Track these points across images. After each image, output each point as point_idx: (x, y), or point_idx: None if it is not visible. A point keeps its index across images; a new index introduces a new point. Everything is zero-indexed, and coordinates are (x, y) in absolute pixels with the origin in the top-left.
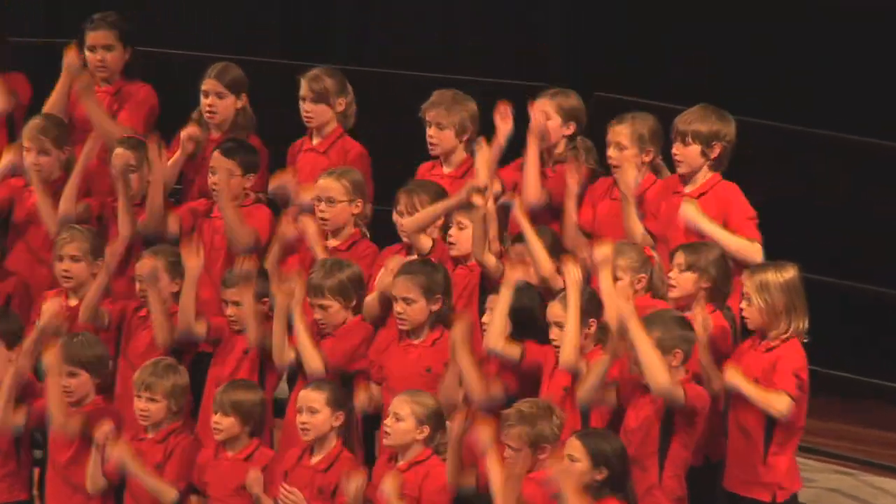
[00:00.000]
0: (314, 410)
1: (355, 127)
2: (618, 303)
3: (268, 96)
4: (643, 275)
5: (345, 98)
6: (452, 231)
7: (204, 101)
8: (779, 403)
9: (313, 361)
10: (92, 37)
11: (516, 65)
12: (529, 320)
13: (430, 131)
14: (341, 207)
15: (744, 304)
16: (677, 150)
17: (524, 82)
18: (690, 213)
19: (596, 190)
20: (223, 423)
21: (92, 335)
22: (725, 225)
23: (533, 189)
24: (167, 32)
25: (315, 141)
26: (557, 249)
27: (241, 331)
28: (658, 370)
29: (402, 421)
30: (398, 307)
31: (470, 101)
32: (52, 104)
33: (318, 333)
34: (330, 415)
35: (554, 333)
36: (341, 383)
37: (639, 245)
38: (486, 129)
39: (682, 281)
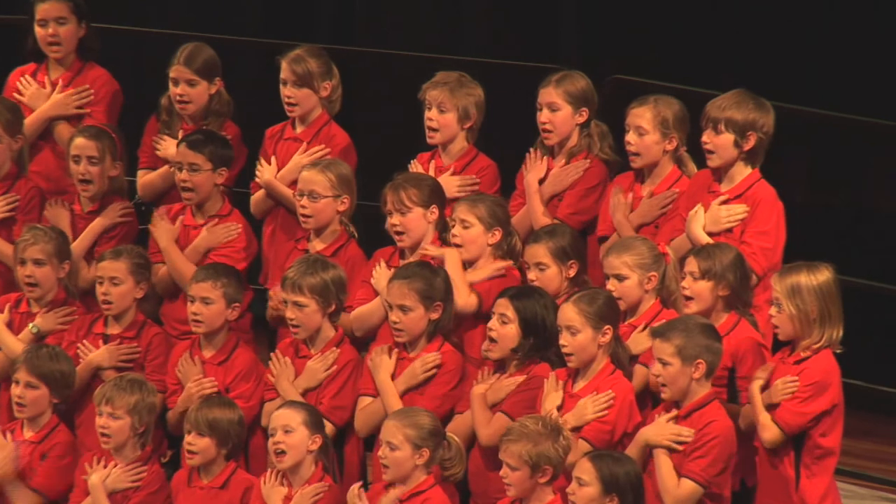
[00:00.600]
0: (289, 430)
1: (342, 114)
2: None
3: (246, 79)
4: (653, 273)
5: (330, 81)
6: (456, 230)
7: (174, 89)
8: (766, 431)
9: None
10: (42, 9)
11: (525, 44)
12: (542, 328)
13: (430, 114)
14: (325, 203)
15: (773, 311)
16: (708, 138)
17: (534, 64)
18: (695, 230)
19: (616, 184)
20: (198, 445)
21: (61, 349)
22: (743, 233)
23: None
24: (133, 7)
25: (298, 129)
26: (574, 254)
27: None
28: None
29: (398, 449)
30: (393, 316)
31: (477, 86)
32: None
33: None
34: (307, 437)
35: (565, 339)
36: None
37: (649, 240)
38: (490, 117)
39: (699, 291)
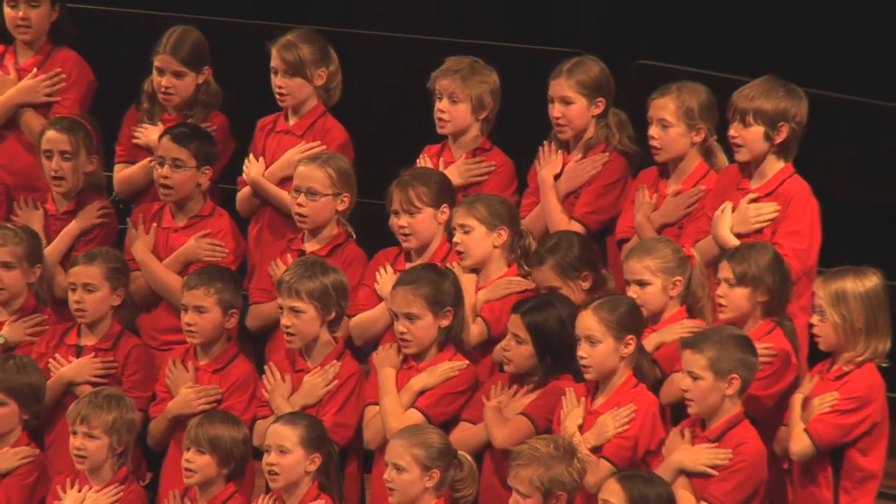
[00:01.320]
0: (284, 450)
1: (342, 104)
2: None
3: (236, 65)
4: (678, 277)
5: (326, 68)
6: (458, 237)
7: (158, 79)
8: (796, 442)
9: None
10: None
11: (543, 28)
12: (559, 346)
13: (441, 104)
14: (324, 202)
15: (815, 319)
16: (735, 131)
17: (550, 48)
18: (721, 231)
19: (639, 181)
20: (197, 463)
21: (30, 359)
22: (774, 233)
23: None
24: None
25: (291, 121)
26: (584, 264)
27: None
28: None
29: (405, 472)
30: (399, 326)
31: (491, 72)
32: None
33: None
34: (304, 457)
35: (584, 350)
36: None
37: (673, 242)
38: (507, 105)
39: (735, 298)
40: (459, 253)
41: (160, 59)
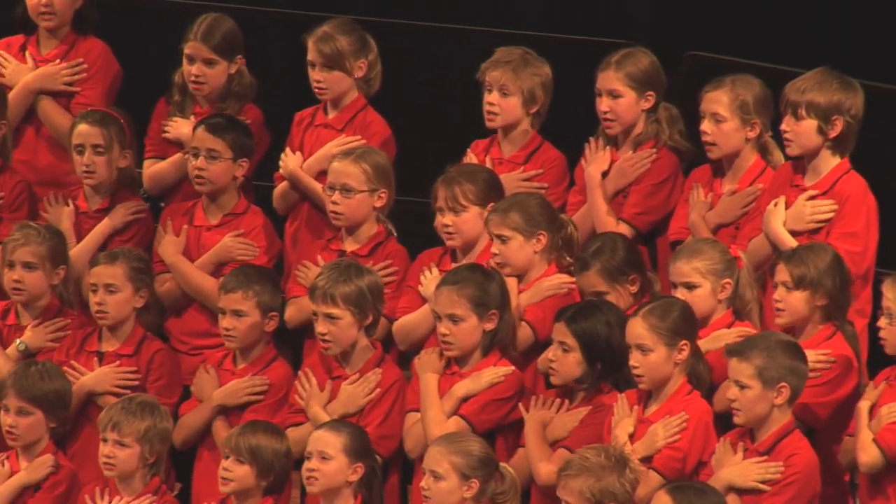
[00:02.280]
0: (326, 457)
1: (383, 98)
2: None
3: (271, 55)
4: (727, 280)
5: (365, 59)
6: (495, 248)
7: (188, 68)
8: (864, 453)
9: None
10: None
11: (592, 18)
12: (608, 351)
13: (491, 97)
14: (360, 199)
15: (883, 322)
16: (788, 125)
17: (598, 39)
18: (774, 225)
19: (692, 180)
20: (235, 472)
21: (53, 365)
22: (828, 234)
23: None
24: None
25: (330, 114)
26: (631, 267)
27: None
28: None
29: (443, 480)
30: (442, 327)
31: (543, 64)
32: None
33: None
34: (346, 465)
35: (635, 358)
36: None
37: (720, 243)
38: (554, 98)
39: (793, 302)
40: (498, 264)
41: (190, 46)
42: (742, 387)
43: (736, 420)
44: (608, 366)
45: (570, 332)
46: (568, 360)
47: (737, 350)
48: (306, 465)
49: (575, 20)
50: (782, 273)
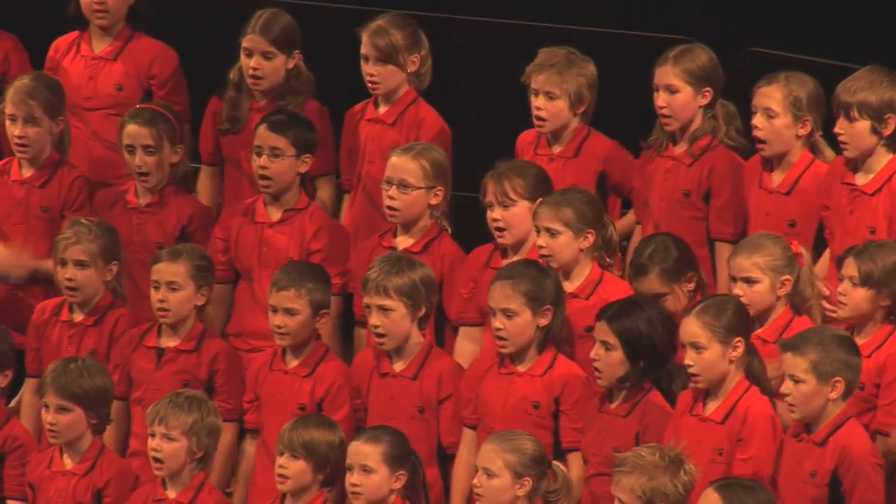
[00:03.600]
0: (368, 470)
1: (433, 92)
2: None
3: (329, 50)
4: (787, 276)
5: (418, 54)
6: (543, 240)
7: (246, 62)
8: None
9: None
10: None
11: (647, 13)
12: (651, 347)
13: (538, 101)
14: (417, 195)
15: None
16: (841, 127)
17: (651, 34)
18: None
19: (745, 176)
20: (291, 469)
21: (94, 361)
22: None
23: None
24: None
25: (381, 109)
26: (687, 265)
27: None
28: None
29: (496, 477)
30: (496, 322)
31: (588, 63)
32: None
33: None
34: (388, 475)
35: (690, 357)
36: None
37: (783, 240)
38: (605, 98)
39: (856, 298)
40: (543, 256)
41: (249, 39)
42: (797, 381)
43: (793, 416)
44: (651, 363)
45: (612, 330)
46: (611, 359)
47: (791, 344)
48: (349, 478)
49: (630, 16)
50: (850, 268)
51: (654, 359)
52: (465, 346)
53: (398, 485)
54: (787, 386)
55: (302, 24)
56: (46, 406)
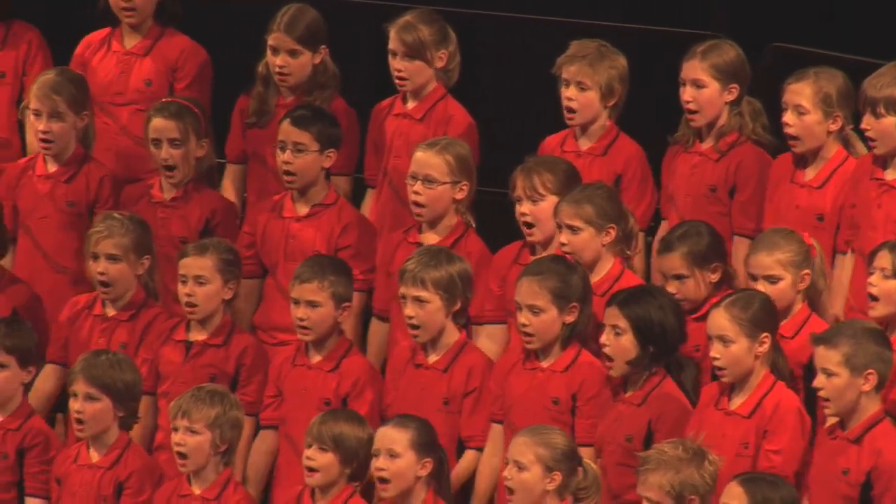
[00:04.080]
0: (395, 455)
1: (461, 88)
2: None
3: (355, 46)
4: (807, 271)
5: (446, 50)
6: (565, 237)
7: (273, 59)
8: None
9: None
10: None
11: (670, 8)
12: (661, 333)
13: (569, 92)
14: (442, 191)
15: None
16: (868, 123)
17: (677, 30)
18: None
19: (774, 172)
20: (319, 461)
21: (125, 356)
22: None
23: None
24: None
25: (410, 104)
26: (715, 256)
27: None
28: None
29: (526, 470)
30: (522, 318)
31: (619, 56)
32: None
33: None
34: (414, 461)
35: (716, 350)
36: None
37: (797, 233)
38: (636, 90)
39: (889, 291)
40: (566, 253)
41: (274, 37)
42: (829, 374)
43: (827, 412)
44: (661, 349)
45: (623, 314)
46: (621, 343)
47: (823, 338)
48: (375, 463)
49: (654, 11)
50: (884, 259)
51: (665, 345)
52: (484, 344)
53: (424, 472)
54: (820, 380)
55: (328, 18)
56: (75, 395)
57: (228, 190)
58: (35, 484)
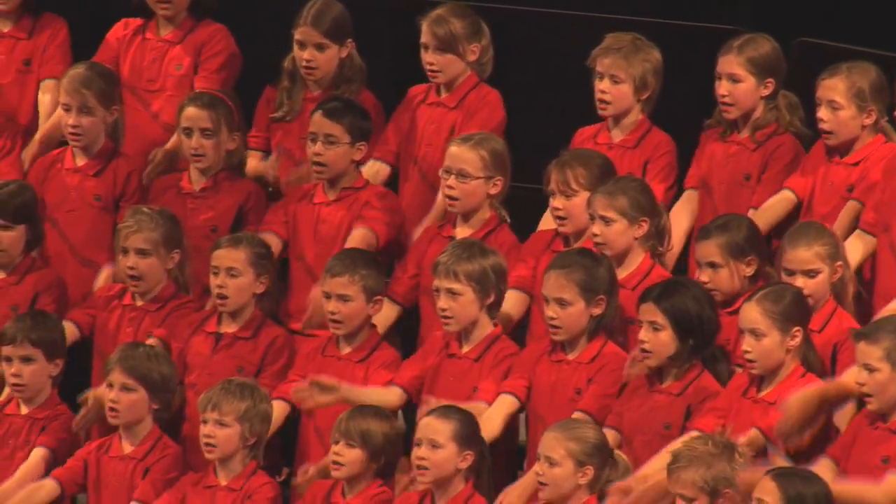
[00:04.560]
0: (436, 445)
1: (492, 83)
2: None
3: (378, 40)
4: (839, 262)
5: (479, 43)
6: (597, 228)
7: (299, 53)
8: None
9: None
10: None
11: (695, 3)
12: (699, 325)
13: (603, 85)
14: (476, 185)
15: None
16: None
17: (703, 24)
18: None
19: (810, 159)
20: (346, 456)
21: (163, 351)
22: None
23: None
24: None
25: (443, 94)
26: (752, 248)
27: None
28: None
29: (558, 466)
30: (549, 311)
31: (653, 49)
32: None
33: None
34: (456, 453)
35: (748, 343)
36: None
37: (822, 224)
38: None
39: None
40: (598, 244)
41: (301, 31)
42: (871, 370)
43: (870, 407)
44: (700, 341)
45: (660, 310)
46: (660, 339)
47: (865, 333)
48: (415, 452)
49: (678, 5)
50: None
51: (703, 336)
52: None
53: (464, 464)
54: (861, 376)
55: (353, 12)
56: (110, 385)
57: (252, 174)
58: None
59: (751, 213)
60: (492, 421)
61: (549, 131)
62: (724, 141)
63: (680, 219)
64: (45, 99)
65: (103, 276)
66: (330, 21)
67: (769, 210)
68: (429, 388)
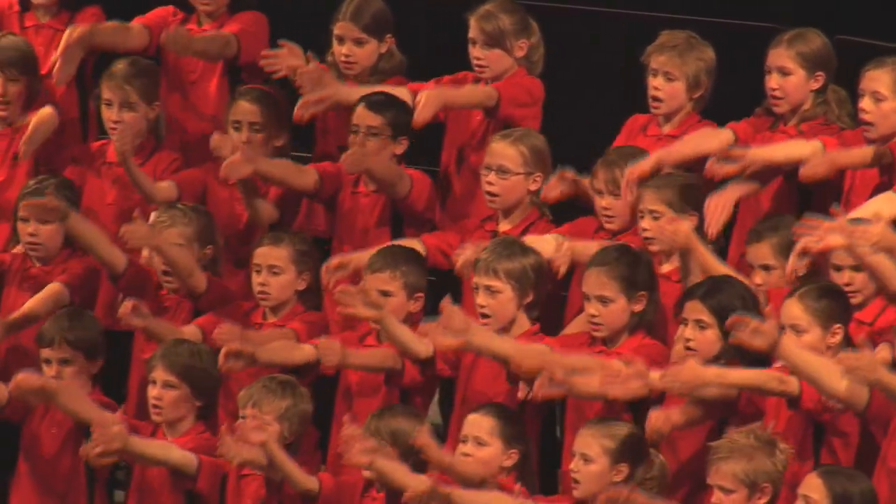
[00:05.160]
0: (482, 443)
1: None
2: None
3: (414, 35)
4: None
5: (527, 40)
6: (646, 223)
7: (338, 48)
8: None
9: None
10: None
11: (733, 1)
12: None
13: (656, 82)
14: (516, 181)
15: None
16: None
17: (741, 22)
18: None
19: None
20: None
21: (205, 348)
22: None
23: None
24: None
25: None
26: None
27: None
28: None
29: (593, 462)
30: (591, 308)
31: (707, 48)
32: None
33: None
34: (501, 451)
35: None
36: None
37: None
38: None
39: None
40: (647, 239)
41: (340, 26)
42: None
43: None
44: None
45: (707, 308)
46: (706, 337)
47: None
48: (460, 448)
49: (719, 3)
50: None
51: None
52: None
53: (509, 462)
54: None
55: (392, 6)
56: (153, 382)
57: None
58: None
59: (769, 146)
60: None
61: (591, 128)
62: (771, 131)
63: None
64: None
65: None
66: (369, 16)
67: (793, 147)
68: (462, 386)
